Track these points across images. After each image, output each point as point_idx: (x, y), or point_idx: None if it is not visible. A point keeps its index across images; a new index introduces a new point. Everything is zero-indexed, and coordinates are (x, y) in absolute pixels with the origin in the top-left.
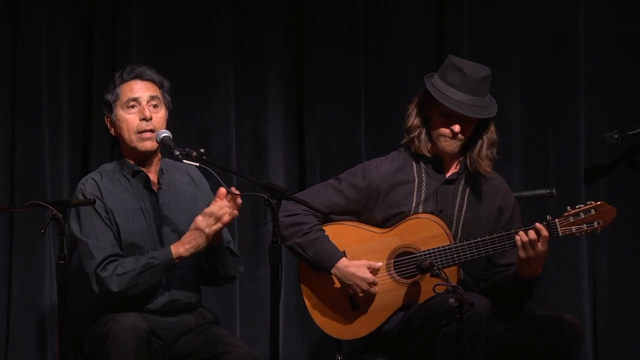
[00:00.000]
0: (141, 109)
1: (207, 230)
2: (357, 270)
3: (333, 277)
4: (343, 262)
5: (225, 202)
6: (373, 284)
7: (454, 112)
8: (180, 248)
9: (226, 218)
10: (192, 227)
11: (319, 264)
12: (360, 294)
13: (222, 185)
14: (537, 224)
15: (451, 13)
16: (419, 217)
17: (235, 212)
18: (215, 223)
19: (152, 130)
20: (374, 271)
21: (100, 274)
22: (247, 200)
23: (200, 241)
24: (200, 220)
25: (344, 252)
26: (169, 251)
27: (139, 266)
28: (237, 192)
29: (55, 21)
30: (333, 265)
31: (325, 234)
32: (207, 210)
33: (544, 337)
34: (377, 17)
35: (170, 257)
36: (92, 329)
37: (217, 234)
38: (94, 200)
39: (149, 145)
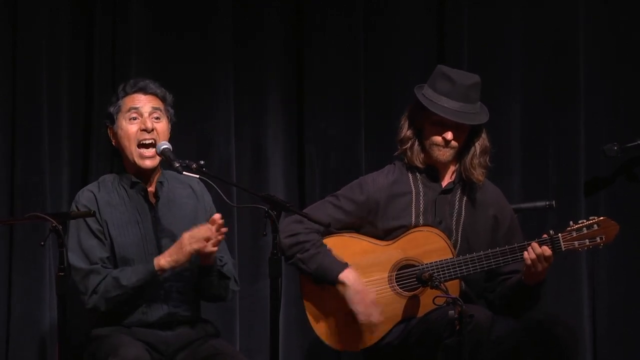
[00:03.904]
0: (143, 120)
1: (187, 248)
2: (362, 288)
3: (334, 288)
4: (348, 278)
5: (213, 230)
6: (373, 302)
7: (445, 120)
8: (162, 260)
9: (209, 247)
10: (177, 241)
11: (321, 277)
12: (361, 313)
13: (222, 197)
14: (544, 247)
15: (451, 13)
16: (421, 230)
17: (215, 248)
18: (196, 243)
19: (152, 145)
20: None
21: (88, 301)
22: (247, 213)
23: (180, 257)
24: (185, 236)
25: (346, 264)
26: (152, 265)
27: (128, 288)
28: (224, 228)
29: (55, 23)
30: (336, 278)
31: (328, 247)
32: (196, 229)
33: (539, 342)
34: (377, 17)
35: (153, 270)
36: (92, 353)
37: (209, 255)
38: (94, 211)
39: (149, 163)
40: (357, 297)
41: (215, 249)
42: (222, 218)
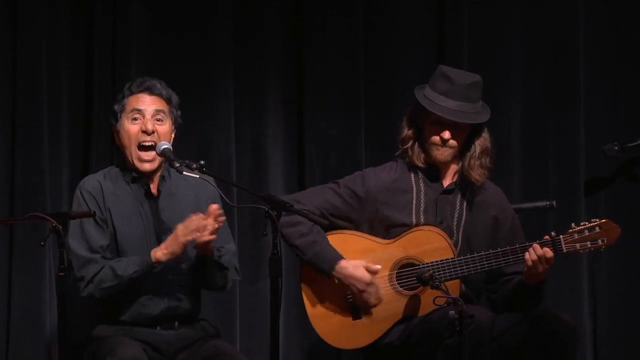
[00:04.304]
0: (144, 121)
1: (181, 239)
2: (355, 270)
3: (334, 286)
4: (341, 264)
5: (210, 220)
6: (369, 284)
7: (443, 119)
8: (159, 252)
9: (205, 236)
10: (173, 233)
11: (317, 267)
12: (357, 294)
13: (222, 197)
14: (545, 248)
15: (451, 13)
16: (422, 229)
17: (212, 236)
18: (190, 234)
19: (152, 148)
20: (372, 273)
21: (83, 289)
22: (247, 212)
23: (176, 248)
24: (179, 227)
25: (341, 256)
26: (149, 257)
27: (124, 280)
28: (222, 217)
29: (55, 23)
30: (332, 268)
31: (325, 235)
32: (188, 220)
33: (539, 338)
34: (377, 17)
35: (150, 262)
36: (91, 353)
37: (206, 245)
38: (94, 212)
39: (148, 167)
40: (347, 283)
41: (213, 237)
42: (217, 208)
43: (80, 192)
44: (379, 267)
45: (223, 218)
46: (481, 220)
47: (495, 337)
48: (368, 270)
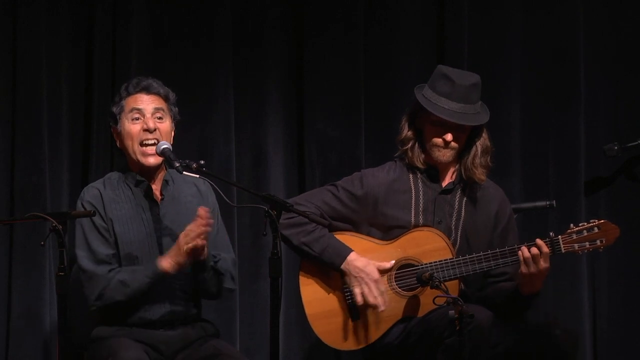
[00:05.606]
0: (145, 120)
1: (184, 248)
2: (366, 265)
3: (333, 286)
4: (352, 256)
5: (200, 223)
6: (377, 282)
7: (445, 121)
8: (166, 263)
9: (197, 241)
10: (175, 243)
11: (327, 260)
12: (365, 289)
13: (222, 197)
14: (539, 241)
15: (451, 16)
16: (421, 230)
17: (203, 241)
18: (192, 241)
19: (155, 143)
20: (382, 271)
21: (94, 303)
22: (247, 212)
23: (180, 258)
24: (180, 236)
25: (350, 249)
26: (157, 267)
27: (134, 292)
28: (210, 220)
29: (56, 23)
30: (343, 261)
31: (330, 232)
32: (188, 227)
33: (538, 343)
34: (378, 19)
35: (159, 272)
36: (92, 355)
37: (199, 251)
38: (94, 212)
39: (152, 160)
40: (357, 276)
41: (203, 242)
42: (207, 212)
43: (82, 204)
44: (391, 263)
45: (211, 222)
46: (481, 219)
47: (494, 343)
48: (378, 269)
